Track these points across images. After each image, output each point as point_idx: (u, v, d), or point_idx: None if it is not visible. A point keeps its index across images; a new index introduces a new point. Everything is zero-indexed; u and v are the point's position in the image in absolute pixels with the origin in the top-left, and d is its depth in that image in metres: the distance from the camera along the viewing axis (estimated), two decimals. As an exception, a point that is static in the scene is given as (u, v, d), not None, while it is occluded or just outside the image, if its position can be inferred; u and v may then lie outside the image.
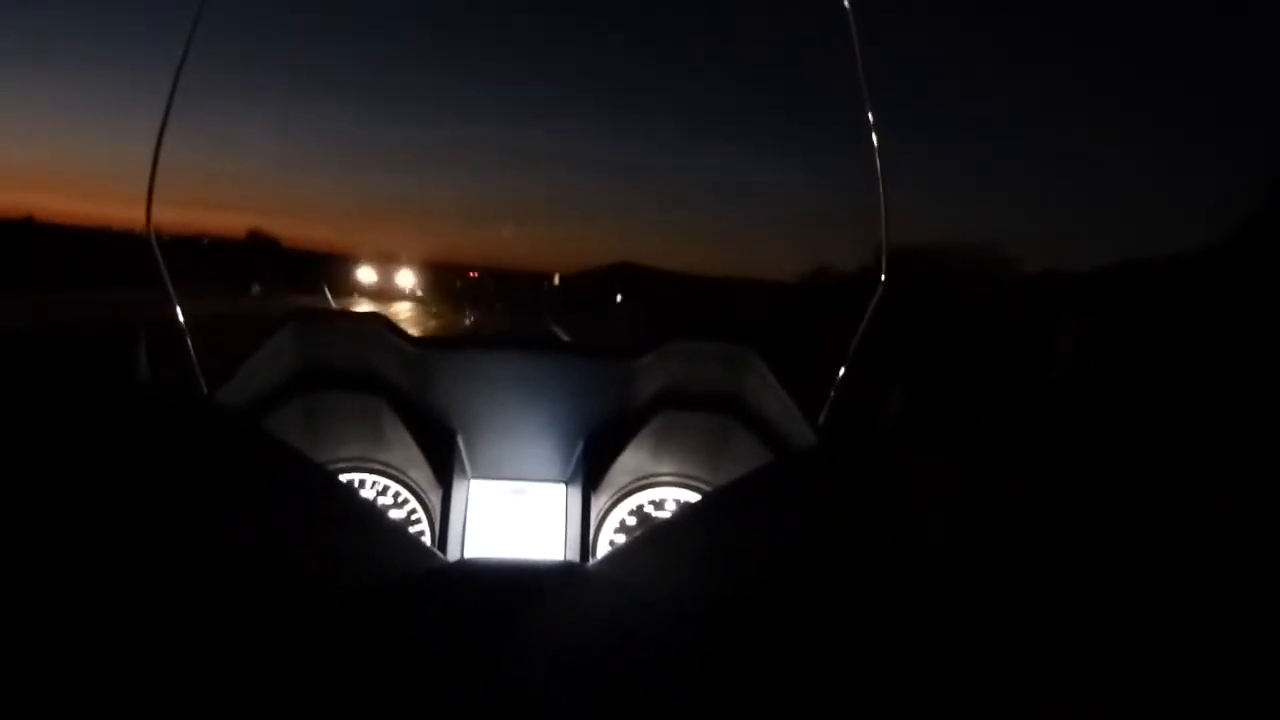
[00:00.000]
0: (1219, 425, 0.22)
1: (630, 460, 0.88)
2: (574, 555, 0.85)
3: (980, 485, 0.24)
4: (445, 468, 0.85)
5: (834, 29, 0.81)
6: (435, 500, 0.86)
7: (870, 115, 0.82)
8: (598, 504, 0.88)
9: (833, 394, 0.81)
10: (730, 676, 0.22)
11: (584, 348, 0.90)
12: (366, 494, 0.87)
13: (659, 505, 0.91)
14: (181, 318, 0.75)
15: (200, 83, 0.74)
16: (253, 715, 0.19)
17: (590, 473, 0.87)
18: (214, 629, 0.21)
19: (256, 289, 10.35)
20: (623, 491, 0.90)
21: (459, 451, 0.87)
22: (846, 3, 0.80)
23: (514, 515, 0.90)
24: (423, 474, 0.86)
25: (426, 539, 0.85)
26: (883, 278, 0.82)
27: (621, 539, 0.88)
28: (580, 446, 0.90)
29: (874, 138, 0.82)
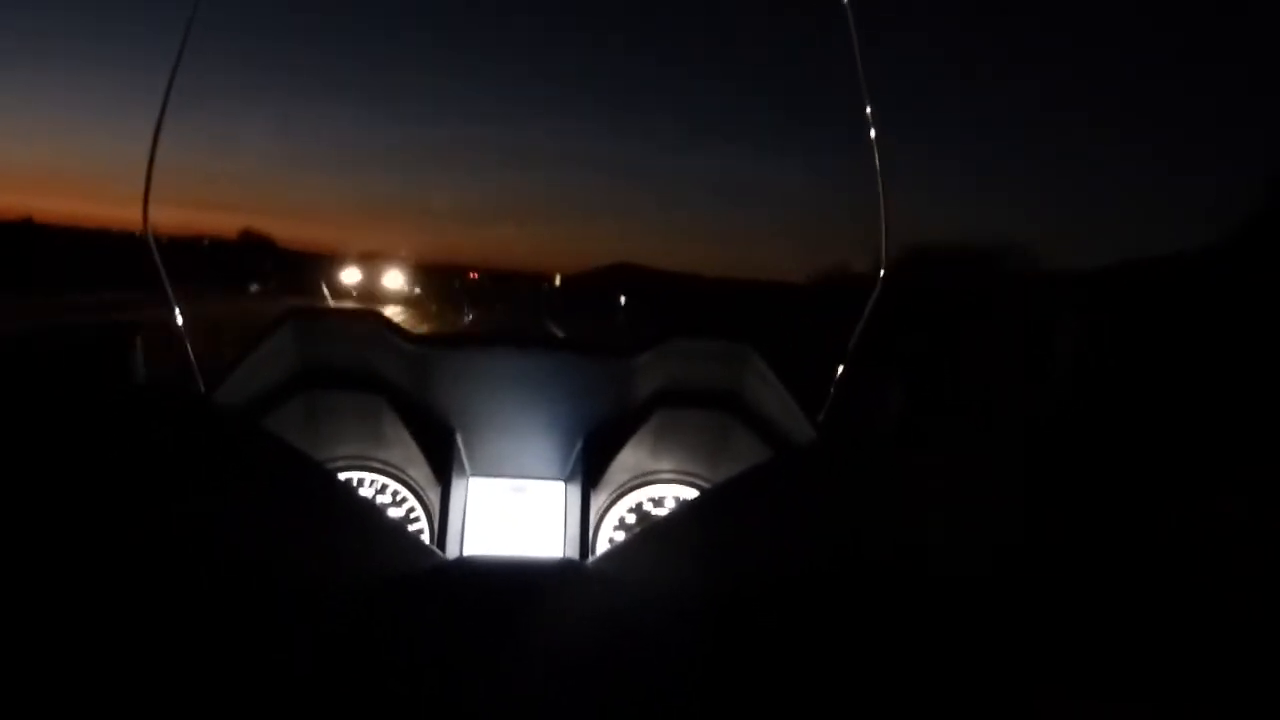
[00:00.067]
0: (1219, 425, 0.22)
1: (629, 458, 0.88)
2: (573, 553, 0.85)
3: (980, 485, 0.24)
4: (444, 466, 0.85)
5: (834, 29, 0.81)
6: (434, 498, 0.86)
7: (870, 115, 0.82)
8: (597, 501, 0.88)
9: (832, 392, 0.81)
10: (729, 674, 0.22)
11: (583, 346, 0.90)
12: (366, 492, 0.87)
13: (658, 503, 0.91)
14: (180, 318, 0.75)
15: (198, 82, 0.74)
16: (253, 715, 0.19)
17: (589, 470, 0.87)
18: (214, 628, 0.21)
19: (255, 289, 10.34)
20: (622, 489, 0.90)
21: (458, 449, 0.87)
22: (846, 2, 0.80)
23: (513, 513, 0.90)
24: (422, 472, 0.86)
25: (426, 537, 0.85)
26: (881, 274, 0.82)
27: (621, 536, 0.88)
28: (579, 444, 0.90)
29: (873, 137, 0.82)
